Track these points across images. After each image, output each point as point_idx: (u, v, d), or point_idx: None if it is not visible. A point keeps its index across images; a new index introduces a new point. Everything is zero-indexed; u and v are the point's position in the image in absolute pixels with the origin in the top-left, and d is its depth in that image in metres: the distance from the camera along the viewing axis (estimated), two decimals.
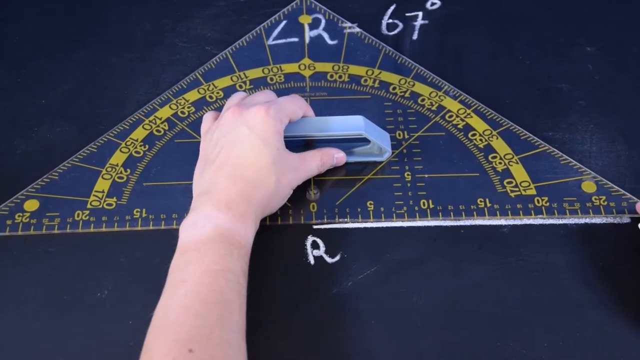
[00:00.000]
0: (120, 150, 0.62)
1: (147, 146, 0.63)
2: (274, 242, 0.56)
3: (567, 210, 0.58)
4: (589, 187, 0.60)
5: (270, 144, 0.53)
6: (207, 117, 0.60)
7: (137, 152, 0.62)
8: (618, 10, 0.74)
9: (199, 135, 0.60)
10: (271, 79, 0.68)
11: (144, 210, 0.58)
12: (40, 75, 0.69)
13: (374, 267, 0.55)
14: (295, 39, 0.72)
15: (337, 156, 0.60)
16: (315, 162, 0.58)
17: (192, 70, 0.69)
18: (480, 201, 0.59)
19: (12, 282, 0.54)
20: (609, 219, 0.58)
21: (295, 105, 0.57)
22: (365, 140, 0.60)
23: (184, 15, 0.74)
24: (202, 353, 0.43)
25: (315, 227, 0.58)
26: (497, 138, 0.63)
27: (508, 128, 0.64)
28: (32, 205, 0.58)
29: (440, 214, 0.58)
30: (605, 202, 0.59)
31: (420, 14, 0.75)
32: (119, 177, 0.60)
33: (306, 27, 0.73)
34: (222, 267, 0.48)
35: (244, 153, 0.53)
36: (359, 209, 0.58)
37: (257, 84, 0.68)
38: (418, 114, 0.65)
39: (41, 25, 0.74)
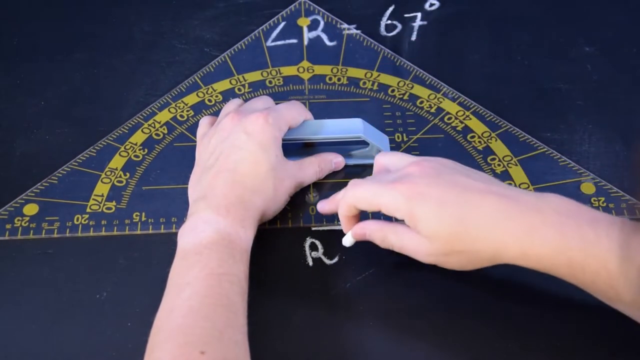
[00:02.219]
0: (120, 154, 0.62)
1: (146, 150, 0.63)
2: (273, 244, 0.56)
3: None
4: (588, 188, 0.60)
5: (269, 151, 0.53)
6: (204, 121, 0.60)
7: (136, 156, 0.62)
8: (617, 10, 0.74)
9: None
10: (270, 82, 0.68)
11: (143, 214, 0.58)
12: (39, 76, 0.69)
13: (372, 268, 0.55)
14: (294, 41, 0.72)
15: (336, 161, 0.60)
16: (312, 169, 0.58)
17: (191, 72, 0.69)
18: None
19: (10, 284, 0.55)
20: None
21: (295, 112, 0.57)
22: (364, 143, 0.60)
23: (182, 17, 0.74)
24: (215, 354, 0.43)
25: (313, 229, 0.58)
26: (495, 140, 0.63)
27: (507, 130, 0.64)
28: (31, 209, 0.58)
29: None
30: (605, 204, 0.58)
31: (419, 14, 0.75)
32: (118, 181, 0.60)
33: (305, 30, 0.73)
34: (225, 271, 0.48)
35: (242, 159, 0.53)
36: None
37: (256, 87, 0.67)
38: (417, 116, 0.65)
39: (40, 27, 0.74)
